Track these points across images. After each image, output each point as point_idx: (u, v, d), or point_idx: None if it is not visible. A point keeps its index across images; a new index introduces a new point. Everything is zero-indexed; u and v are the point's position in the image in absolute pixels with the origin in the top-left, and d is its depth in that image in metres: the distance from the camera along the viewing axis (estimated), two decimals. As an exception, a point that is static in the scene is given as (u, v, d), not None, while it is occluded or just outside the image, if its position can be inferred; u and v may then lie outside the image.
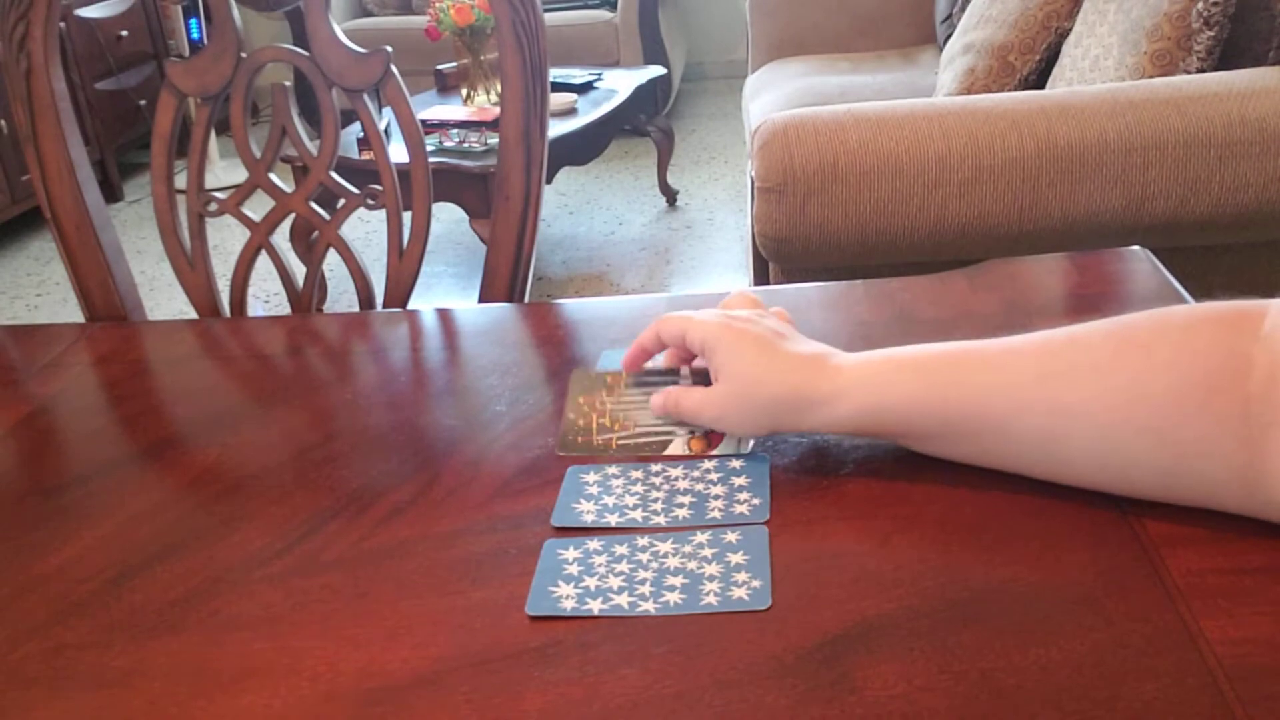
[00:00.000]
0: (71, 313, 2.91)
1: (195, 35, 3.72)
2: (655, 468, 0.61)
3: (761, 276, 1.67)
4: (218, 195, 1.00)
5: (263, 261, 1.01)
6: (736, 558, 0.54)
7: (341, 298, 2.82)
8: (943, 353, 0.57)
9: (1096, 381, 0.52)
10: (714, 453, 0.62)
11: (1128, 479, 0.53)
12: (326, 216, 0.99)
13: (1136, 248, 0.84)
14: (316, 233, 0.99)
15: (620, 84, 3.21)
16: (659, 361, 0.68)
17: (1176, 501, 0.52)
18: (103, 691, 0.49)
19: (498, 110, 1.52)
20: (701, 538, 0.56)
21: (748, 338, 0.60)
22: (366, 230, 3.22)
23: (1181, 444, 0.50)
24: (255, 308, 2.79)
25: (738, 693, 0.46)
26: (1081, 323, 0.55)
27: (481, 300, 1.00)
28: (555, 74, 3.21)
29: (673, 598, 0.52)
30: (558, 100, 2.97)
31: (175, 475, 0.67)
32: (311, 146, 0.99)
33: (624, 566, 0.54)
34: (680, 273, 2.98)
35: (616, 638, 0.50)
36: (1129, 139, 1.43)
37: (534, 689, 0.47)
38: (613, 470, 0.61)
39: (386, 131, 2.24)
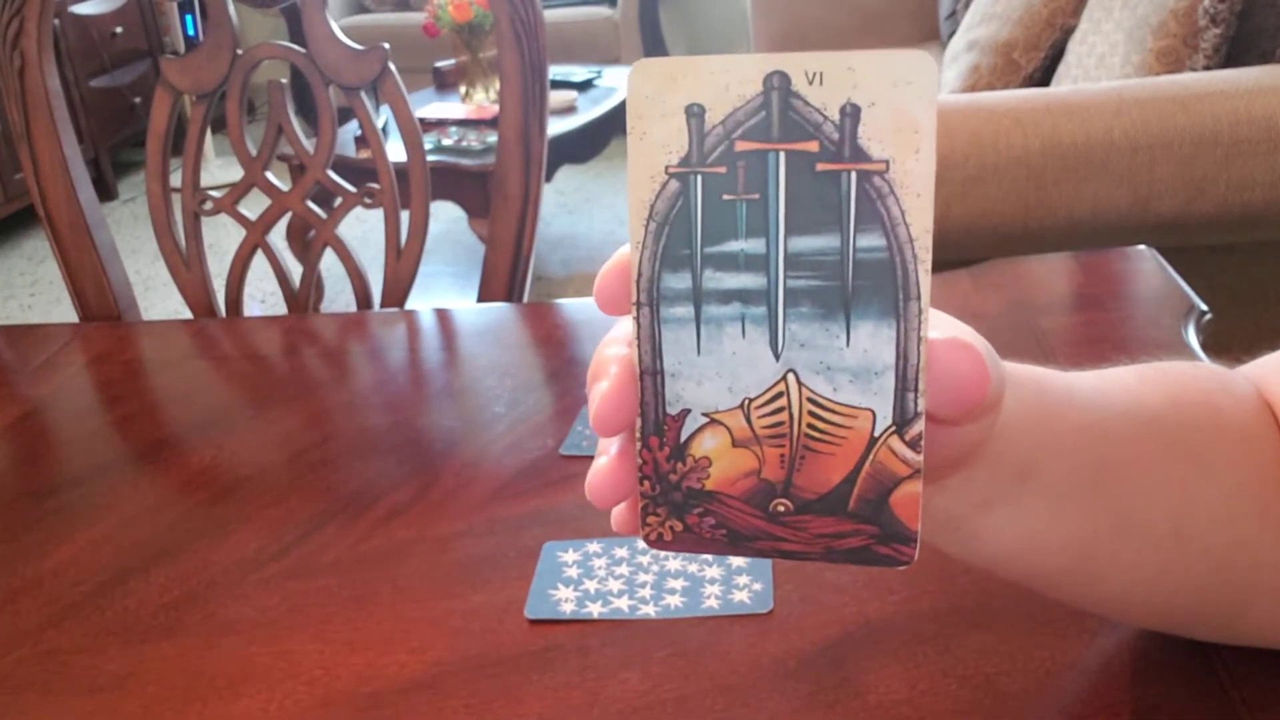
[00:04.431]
0: (65, 312, 2.90)
1: (191, 32, 3.71)
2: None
3: (761, 275, 1.66)
4: (213, 194, 1.00)
5: (259, 261, 1.00)
6: (738, 560, 0.53)
7: (339, 297, 2.81)
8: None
9: (1152, 491, 0.39)
10: None
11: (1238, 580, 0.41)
12: (323, 215, 0.99)
13: (1142, 247, 0.83)
14: (313, 232, 0.99)
15: (620, 82, 3.21)
16: None
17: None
18: (97, 696, 0.49)
19: (496, 108, 1.52)
20: (702, 540, 0.55)
21: None
22: (364, 229, 3.21)
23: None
24: (251, 308, 2.79)
25: (739, 697, 0.45)
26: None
27: (480, 300, 0.99)
28: (555, 71, 3.20)
29: (673, 600, 0.51)
30: (557, 98, 2.96)
31: (170, 477, 0.66)
32: (308, 144, 0.98)
33: (624, 569, 0.54)
34: (680, 271, 2.97)
35: (617, 641, 0.49)
36: (1135, 137, 1.42)
37: (533, 693, 0.46)
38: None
39: (384, 129, 2.24)
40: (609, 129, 3.04)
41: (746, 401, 0.27)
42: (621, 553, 0.55)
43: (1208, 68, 1.62)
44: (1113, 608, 0.44)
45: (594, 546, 0.55)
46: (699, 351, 0.27)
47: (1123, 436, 0.38)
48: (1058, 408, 0.37)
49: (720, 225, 0.26)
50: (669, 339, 0.27)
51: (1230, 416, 0.41)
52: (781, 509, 0.28)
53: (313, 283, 1.00)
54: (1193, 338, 0.70)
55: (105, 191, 3.86)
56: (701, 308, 0.26)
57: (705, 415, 0.27)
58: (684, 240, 0.26)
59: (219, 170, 3.91)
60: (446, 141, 2.69)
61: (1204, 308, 0.73)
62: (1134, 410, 0.39)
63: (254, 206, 0.96)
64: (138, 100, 4.00)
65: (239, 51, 0.97)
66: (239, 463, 0.67)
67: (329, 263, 1.01)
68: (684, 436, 0.27)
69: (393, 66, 0.95)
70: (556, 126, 2.82)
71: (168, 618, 0.53)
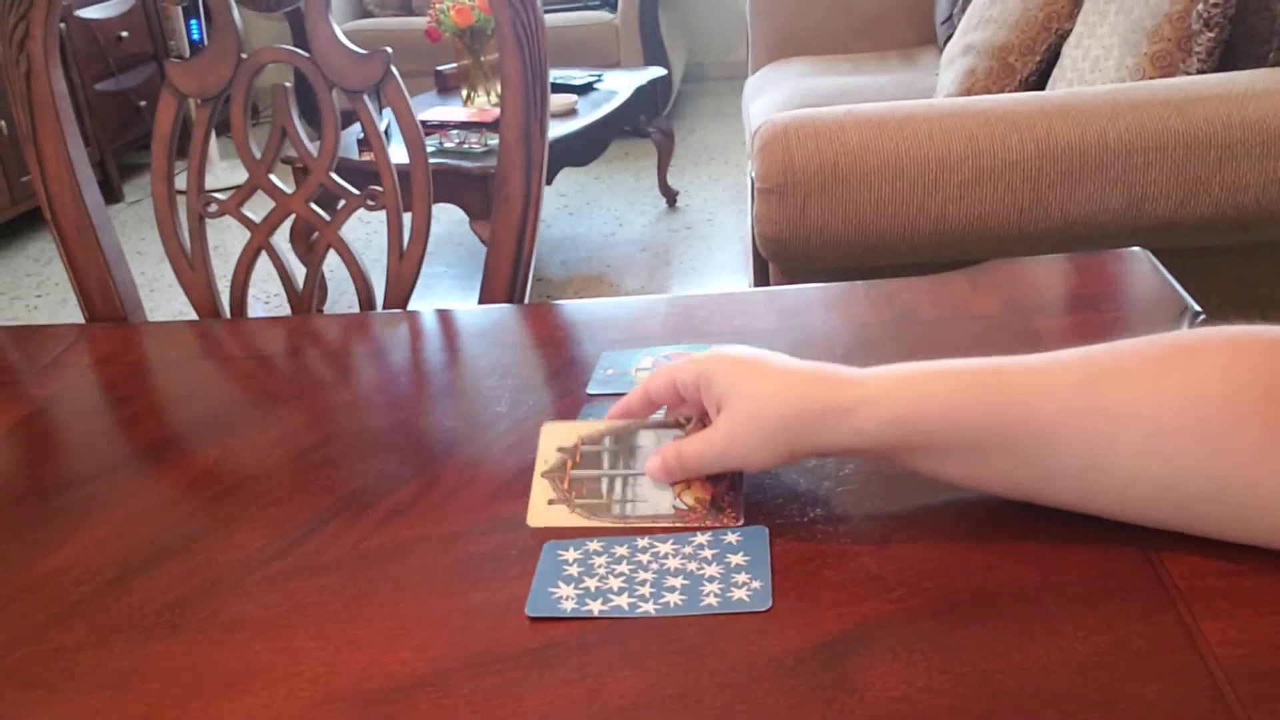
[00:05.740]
0: (71, 313, 2.91)
1: (195, 36, 3.72)
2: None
3: (761, 277, 1.67)
4: (218, 196, 1.00)
5: (263, 262, 1.00)
6: (737, 559, 0.54)
7: (341, 299, 2.81)
8: (978, 362, 0.53)
9: (1144, 383, 0.49)
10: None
11: (1173, 499, 0.49)
12: (327, 217, 0.99)
13: (1136, 249, 0.84)
14: (317, 234, 0.99)
15: (620, 85, 3.21)
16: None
17: (1218, 532, 0.50)
18: (101, 693, 0.49)
19: (498, 111, 1.52)
20: (702, 539, 0.56)
21: (745, 359, 0.57)
22: (367, 231, 3.22)
23: (1237, 452, 0.47)
24: (255, 309, 2.79)
25: (738, 694, 0.46)
26: (1097, 341, 0.52)
27: (481, 301, 0.99)
28: (555, 75, 3.21)
29: (673, 599, 0.52)
30: (558, 101, 2.96)
31: (174, 476, 0.67)
32: (312, 147, 0.99)
33: (624, 567, 0.54)
34: (680, 274, 2.97)
35: (616, 639, 0.49)
36: (1129, 140, 1.43)
37: (534, 690, 0.47)
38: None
39: (386, 132, 2.24)
40: (609, 132, 3.04)
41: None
42: (621, 551, 0.55)
43: (1201, 71, 1.62)
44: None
45: (594, 545, 0.56)
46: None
47: (1011, 414, 0.51)
48: (943, 401, 0.52)
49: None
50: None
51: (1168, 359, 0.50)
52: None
53: (316, 284, 1.01)
54: (1188, 339, 0.70)
55: (111, 194, 3.86)
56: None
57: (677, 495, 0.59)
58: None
59: (223, 173, 3.92)
60: (448, 144, 2.70)
61: (1198, 309, 0.73)
62: (1032, 388, 0.51)
63: (258, 209, 0.97)
64: (143, 103, 4.01)
65: (243, 55, 0.97)
66: (243, 462, 0.67)
67: (332, 264, 1.02)
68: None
69: (395, 70, 0.96)
70: (557, 129, 2.82)
71: (172, 616, 0.54)
